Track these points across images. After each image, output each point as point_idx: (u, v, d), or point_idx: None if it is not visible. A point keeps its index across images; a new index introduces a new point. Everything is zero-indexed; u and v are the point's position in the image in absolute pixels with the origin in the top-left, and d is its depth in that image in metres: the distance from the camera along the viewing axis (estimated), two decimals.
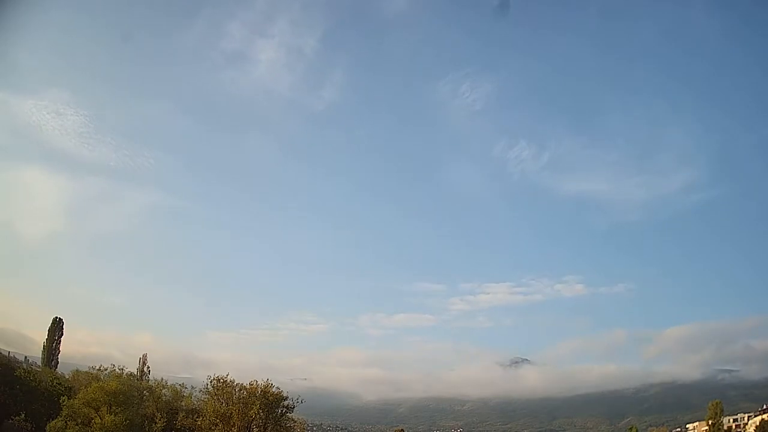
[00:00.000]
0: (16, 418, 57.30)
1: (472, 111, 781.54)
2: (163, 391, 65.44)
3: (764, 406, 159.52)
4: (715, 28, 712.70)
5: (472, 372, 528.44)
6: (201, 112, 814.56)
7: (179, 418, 57.93)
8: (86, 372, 68.19)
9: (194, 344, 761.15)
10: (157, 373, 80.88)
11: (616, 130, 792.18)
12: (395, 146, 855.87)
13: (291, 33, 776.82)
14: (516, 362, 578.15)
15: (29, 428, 57.45)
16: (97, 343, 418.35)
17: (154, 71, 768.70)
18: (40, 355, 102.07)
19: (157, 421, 56.46)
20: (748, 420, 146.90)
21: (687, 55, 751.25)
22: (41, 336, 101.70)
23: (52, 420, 53.33)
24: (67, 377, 75.84)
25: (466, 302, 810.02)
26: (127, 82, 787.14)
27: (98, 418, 52.26)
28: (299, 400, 62.40)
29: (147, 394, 63.44)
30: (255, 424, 57.63)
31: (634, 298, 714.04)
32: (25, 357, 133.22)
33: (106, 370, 61.73)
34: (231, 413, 56.10)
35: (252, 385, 58.48)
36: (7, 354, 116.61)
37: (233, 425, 55.61)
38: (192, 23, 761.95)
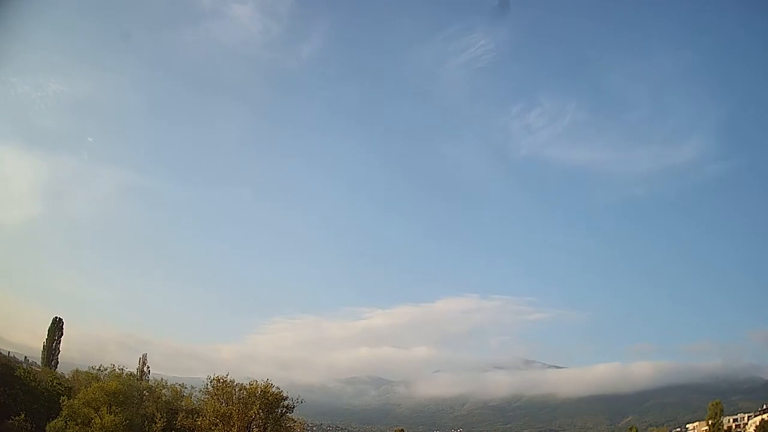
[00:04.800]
0: (16, 418, 57.36)
1: (475, 68, 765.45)
2: (163, 391, 65.46)
3: (764, 406, 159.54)
4: None
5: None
6: (179, 81, 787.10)
7: (179, 418, 57.80)
8: (86, 372, 68.13)
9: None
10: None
11: None
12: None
13: None
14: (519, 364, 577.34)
15: (29, 428, 57.47)
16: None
17: (129, 43, 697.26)
18: (39, 355, 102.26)
19: (157, 421, 56.42)
20: (748, 420, 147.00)
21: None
22: (29, 335, 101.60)
23: (52, 420, 53.46)
24: (67, 377, 75.89)
25: None
26: (94, 52, 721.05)
27: (98, 418, 52.24)
28: (299, 400, 62.44)
29: (147, 394, 63.45)
30: (255, 424, 57.62)
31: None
32: (25, 357, 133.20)
33: (105, 370, 61.79)
34: (231, 413, 56.10)
35: (252, 385, 58.50)
36: (7, 354, 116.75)
37: (233, 425, 55.60)
38: None
